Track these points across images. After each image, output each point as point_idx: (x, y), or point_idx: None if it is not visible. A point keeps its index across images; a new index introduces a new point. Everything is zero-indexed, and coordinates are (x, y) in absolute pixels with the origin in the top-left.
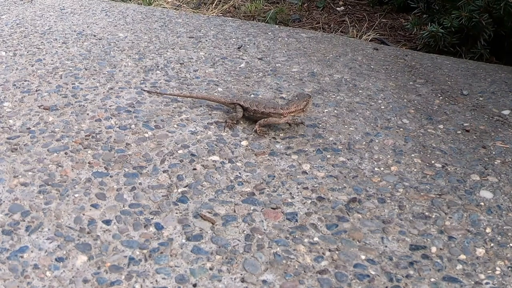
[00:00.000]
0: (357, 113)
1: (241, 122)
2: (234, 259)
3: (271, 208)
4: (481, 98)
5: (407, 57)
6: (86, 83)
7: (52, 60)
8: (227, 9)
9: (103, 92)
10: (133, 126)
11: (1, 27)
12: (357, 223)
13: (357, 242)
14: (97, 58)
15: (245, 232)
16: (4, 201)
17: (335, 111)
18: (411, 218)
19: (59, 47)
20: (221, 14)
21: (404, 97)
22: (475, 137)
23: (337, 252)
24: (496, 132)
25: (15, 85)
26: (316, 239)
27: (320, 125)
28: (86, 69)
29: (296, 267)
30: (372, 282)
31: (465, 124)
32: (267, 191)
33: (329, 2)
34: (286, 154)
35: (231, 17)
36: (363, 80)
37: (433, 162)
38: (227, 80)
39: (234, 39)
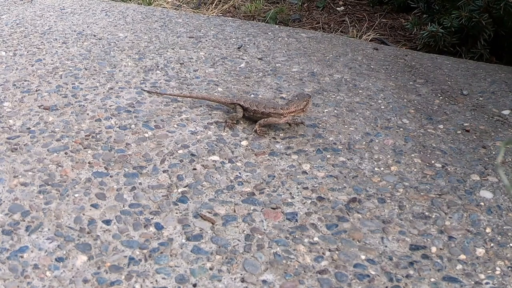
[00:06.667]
0: (357, 113)
1: (241, 122)
2: (234, 259)
3: (271, 208)
4: (481, 98)
5: (407, 57)
6: (86, 83)
7: (52, 60)
8: (227, 9)
9: (103, 92)
10: (133, 126)
11: (1, 27)
12: (357, 223)
13: (357, 242)
14: (97, 58)
15: (245, 232)
16: (4, 201)
17: (335, 111)
18: (411, 218)
19: (59, 47)
20: (221, 14)
21: (404, 97)
22: (475, 137)
23: (337, 252)
24: (496, 132)
25: (15, 85)
26: (316, 239)
27: (320, 125)
28: (86, 69)
29: (296, 267)
30: (372, 282)
31: (465, 124)
32: (267, 191)
33: (329, 2)
34: (286, 154)
35: (231, 17)
36: (363, 80)
37: (433, 162)
38: (227, 80)
39: (234, 39)
